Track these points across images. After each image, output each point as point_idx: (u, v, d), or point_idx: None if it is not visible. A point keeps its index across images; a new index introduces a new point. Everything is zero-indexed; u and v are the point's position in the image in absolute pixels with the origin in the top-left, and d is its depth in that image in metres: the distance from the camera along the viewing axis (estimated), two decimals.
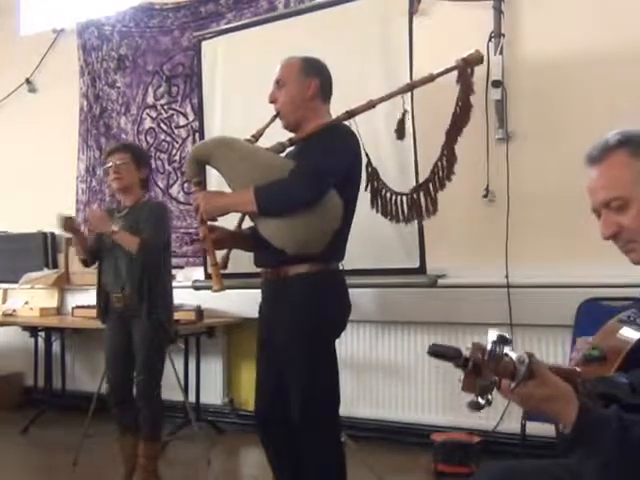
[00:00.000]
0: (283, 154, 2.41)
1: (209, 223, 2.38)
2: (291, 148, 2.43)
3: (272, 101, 2.43)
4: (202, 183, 2.40)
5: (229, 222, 2.54)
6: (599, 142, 1.42)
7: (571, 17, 3.60)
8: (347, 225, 2.38)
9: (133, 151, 3.27)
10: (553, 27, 3.64)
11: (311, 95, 2.39)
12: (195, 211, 2.37)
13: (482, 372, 1.16)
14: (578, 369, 1.40)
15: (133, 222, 3.14)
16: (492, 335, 1.18)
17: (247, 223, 2.53)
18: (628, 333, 1.43)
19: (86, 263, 3.33)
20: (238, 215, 2.53)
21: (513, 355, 1.18)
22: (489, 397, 1.16)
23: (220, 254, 2.55)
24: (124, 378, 3.19)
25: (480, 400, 1.16)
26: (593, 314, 3.25)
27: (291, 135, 2.43)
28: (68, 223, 3.18)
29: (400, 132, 2.78)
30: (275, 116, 2.44)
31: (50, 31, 5.51)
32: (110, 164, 3.20)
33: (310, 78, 2.40)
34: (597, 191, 1.40)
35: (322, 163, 2.24)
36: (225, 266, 2.54)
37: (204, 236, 2.36)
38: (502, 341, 1.17)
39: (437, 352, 1.20)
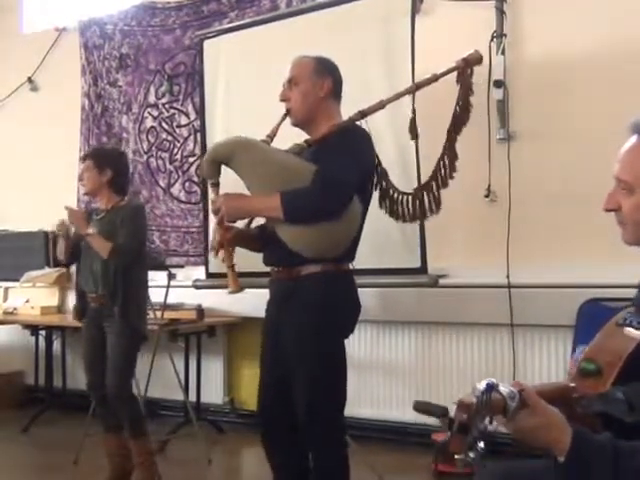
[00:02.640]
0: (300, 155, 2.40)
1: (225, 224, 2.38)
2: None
3: (283, 100, 2.44)
4: (219, 184, 2.38)
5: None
6: None
7: (573, 17, 3.59)
8: (361, 227, 2.39)
9: (94, 156, 3.35)
10: (555, 27, 3.64)
11: (324, 95, 2.40)
12: (215, 213, 2.36)
13: (469, 430, 1.15)
14: (572, 384, 1.39)
15: (110, 225, 3.20)
16: (479, 388, 1.16)
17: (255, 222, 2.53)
18: (624, 339, 1.42)
19: (67, 262, 3.45)
20: None
21: (504, 391, 1.17)
22: (479, 448, 1.15)
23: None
24: (102, 376, 3.22)
25: (470, 455, 1.15)
26: (594, 315, 3.25)
27: (301, 132, 2.44)
28: (65, 229, 3.29)
29: (413, 132, 2.79)
30: (285, 115, 2.44)
31: (52, 30, 5.51)
32: None
33: (323, 78, 2.41)
34: (618, 163, 1.40)
35: (346, 173, 2.22)
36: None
37: (222, 238, 2.35)
38: (489, 390, 1.16)
39: (421, 409, 1.20)
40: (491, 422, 1.18)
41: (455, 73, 2.74)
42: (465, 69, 2.72)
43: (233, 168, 2.33)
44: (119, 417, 3.22)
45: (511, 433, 1.20)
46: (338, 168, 2.22)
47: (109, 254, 3.09)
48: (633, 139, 1.39)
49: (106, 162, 3.29)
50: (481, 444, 1.15)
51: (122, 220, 3.18)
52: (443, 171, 2.85)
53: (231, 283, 2.34)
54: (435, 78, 2.65)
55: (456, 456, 1.16)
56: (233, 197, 2.33)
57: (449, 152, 2.83)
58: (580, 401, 1.32)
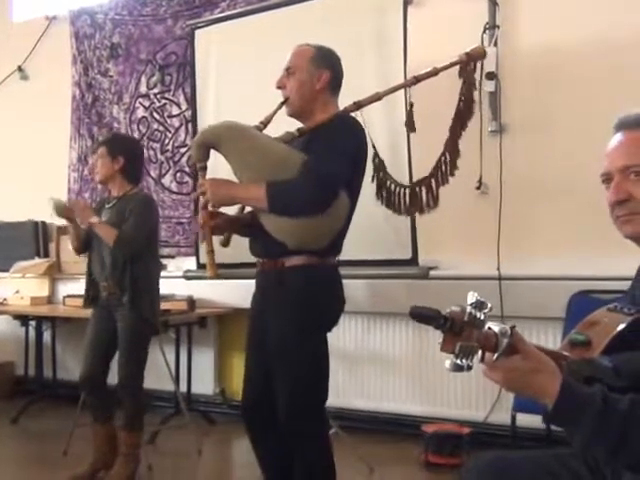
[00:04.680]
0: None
1: (210, 209, 2.36)
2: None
3: (279, 87, 2.40)
4: (207, 168, 2.35)
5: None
6: (636, 111, 1.41)
7: (566, 9, 3.59)
8: (348, 220, 2.36)
9: (107, 144, 3.30)
10: (548, 19, 3.64)
11: (320, 87, 2.36)
12: (201, 195, 2.33)
13: (462, 332, 1.16)
14: (565, 353, 1.40)
15: (120, 214, 3.18)
16: (471, 297, 1.18)
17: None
18: (614, 320, 1.43)
19: (78, 251, 3.37)
20: None
21: (496, 327, 1.18)
22: (470, 362, 1.16)
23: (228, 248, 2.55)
24: (99, 366, 3.22)
25: (460, 361, 1.15)
26: (584, 306, 3.25)
27: (297, 123, 2.41)
28: (63, 208, 3.23)
29: (410, 125, 2.77)
30: (283, 103, 2.40)
31: (43, 18, 5.47)
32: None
33: (321, 70, 2.36)
34: (619, 156, 1.38)
35: (334, 168, 2.19)
36: (227, 243, 2.52)
37: (204, 222, 2.33)
38: (480, 305, 1.17)
39: (417, 313, 1.20)
40: (482, 359, 1.19)
41: (458, 66, 2.72)
42: (468, 63, 2.70)
43: (222, 153, 2.31)
44: (110, 409, 3.23)
45: (500, 378, 1.21)
46: (326, 162, 2.19)
47: (114, 242, 3.08)
48: (625, 132, 1.39)
49: (119, 149, 3.26)
50: (471, 362, 1.16)
51: (130, 210, 3.16)
52: (444, 168, 2.83)
53: (209, 269, 2.32)
54: (435, 72, 2.62)
55: (447, 362, 1.17)
56: (219, 183, 2.30)
57: (451, 149, 2.81)
58: (568, 366, 1.33)
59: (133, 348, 3.17)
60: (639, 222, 1.36)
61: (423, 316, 1.19)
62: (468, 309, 1.17)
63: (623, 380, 1.26)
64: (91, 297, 3.29)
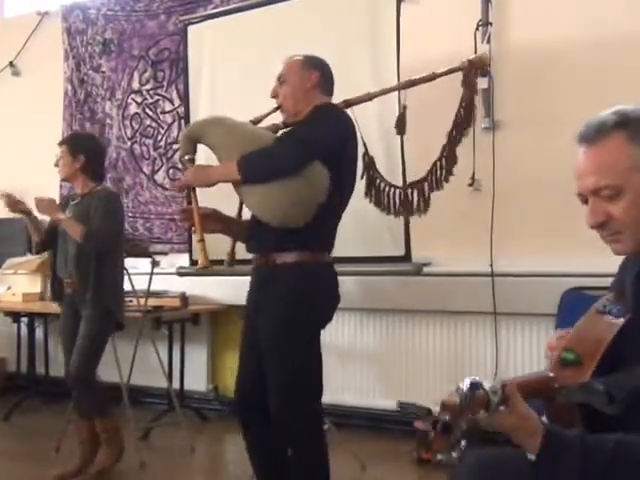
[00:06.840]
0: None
1: (200, 206, 2.38)
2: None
3: (274, 96, 2.47)
4: (194, 161, 2.41)
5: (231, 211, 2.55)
6: (594, 120, 1.34)
7: (558, 6, 3.60)
8: (339, 213, 2.39)
9: (68, 142, 3.38)
10: (541, 16, 3.64)
11: (311, 86, 2.43)
12: (185, 186, 2.42)
13: (452, 430, 1.16)
14: (552, 374, 1.38)
15: (84, 211, 3.22)
16: (462, 388, 1.17)
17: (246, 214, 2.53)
18: (604, 327, 1.41)
19: (40, 246, 3.42)
20: (237, 205, 2.54)
21: (487, 386, 1.18)
22: (461, 447, 1.16)
23: (224, 243, 2.55)
24: None
25: (453, 454, 1.16)
26: (576, 303, 3.27)
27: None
28: (15, 202, 3.28)
29: (400, 128, 2.80)
30: (276, 108, 2.48)
31: (34, 13, 5.44)
32: None
33: (311, 71, 2.44)
34: (586, 175, 1.33)
35: (307, 133, 2.28)
36: (232, 263, 2.55)
37: (191, 208, 2.37)
38: (472, 388, 1.17)
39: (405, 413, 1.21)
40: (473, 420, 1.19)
41: (459, 73, 2.75)
42: (470, 71, 2.73)
43: (206, 143, 2.37)
44: (81, 401, 3.26)
45: (488, 427, 1.21)
46: (300, 130, 2.29)
47: (83, 237, 3.11)
48: (587, 148, 1.34)
49: (79, 148, 3.31)
50: (463, 443, 1.16)
51: (95, 207, 3.20)
52: (438, 173, 2.85)
53: (201, 259, 2.32)
54: (433, 77, 2.66)
55: (439, 456, 1.17)
56: (197, 167, 2.38)
57: (449, 155, 2.84)
58: (561, 391, 1.32)
59: (89, 341, 3.19)
60: (625, 240, 1.32)
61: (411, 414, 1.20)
62: (457, 403, 1.15)
63: (616, 406, 1.24)
64: (57, 293, 3.34)
